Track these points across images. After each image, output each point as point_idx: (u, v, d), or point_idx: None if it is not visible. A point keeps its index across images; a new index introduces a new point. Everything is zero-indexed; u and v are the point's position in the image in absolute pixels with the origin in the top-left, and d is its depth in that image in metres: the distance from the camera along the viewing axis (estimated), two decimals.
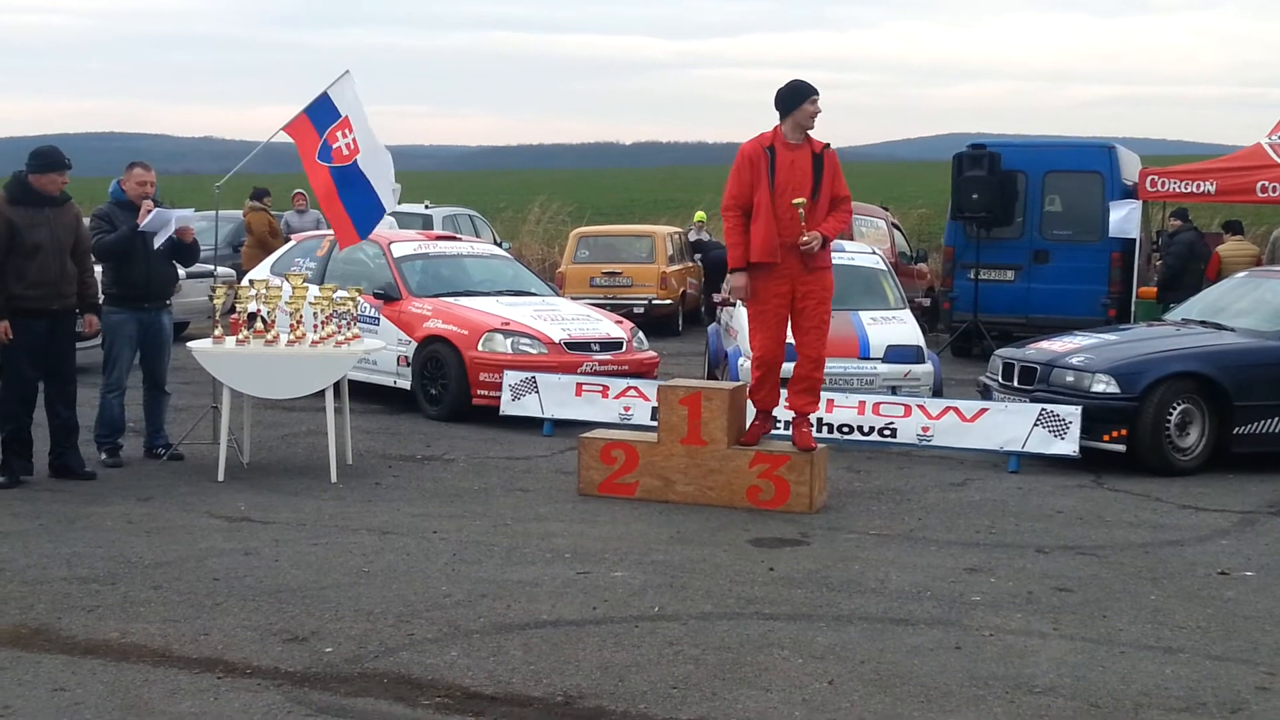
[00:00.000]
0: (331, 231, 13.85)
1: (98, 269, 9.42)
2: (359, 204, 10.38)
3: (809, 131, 8.53)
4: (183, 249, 9.79)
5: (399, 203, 22.68)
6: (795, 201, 8.37)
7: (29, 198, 8.73)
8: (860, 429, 10.26)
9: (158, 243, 9.48)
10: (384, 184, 10.47)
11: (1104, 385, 10.11)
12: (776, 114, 8.55)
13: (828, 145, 8.54)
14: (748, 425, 8.83)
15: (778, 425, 9.42)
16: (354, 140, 10.28)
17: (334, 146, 10.24)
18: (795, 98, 8.47)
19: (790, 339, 8.73)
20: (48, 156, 8.79)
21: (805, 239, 8.37)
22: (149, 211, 9.43)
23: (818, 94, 8.48)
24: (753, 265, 8.54)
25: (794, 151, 8.45)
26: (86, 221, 9.37)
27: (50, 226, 8.74)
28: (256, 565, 7.01)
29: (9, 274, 8.61)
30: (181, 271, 10.69)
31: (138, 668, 5.47)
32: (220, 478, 9.09)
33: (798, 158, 8.44)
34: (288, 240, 15.97)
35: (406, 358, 12.25)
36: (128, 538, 7.55)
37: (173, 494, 8.72)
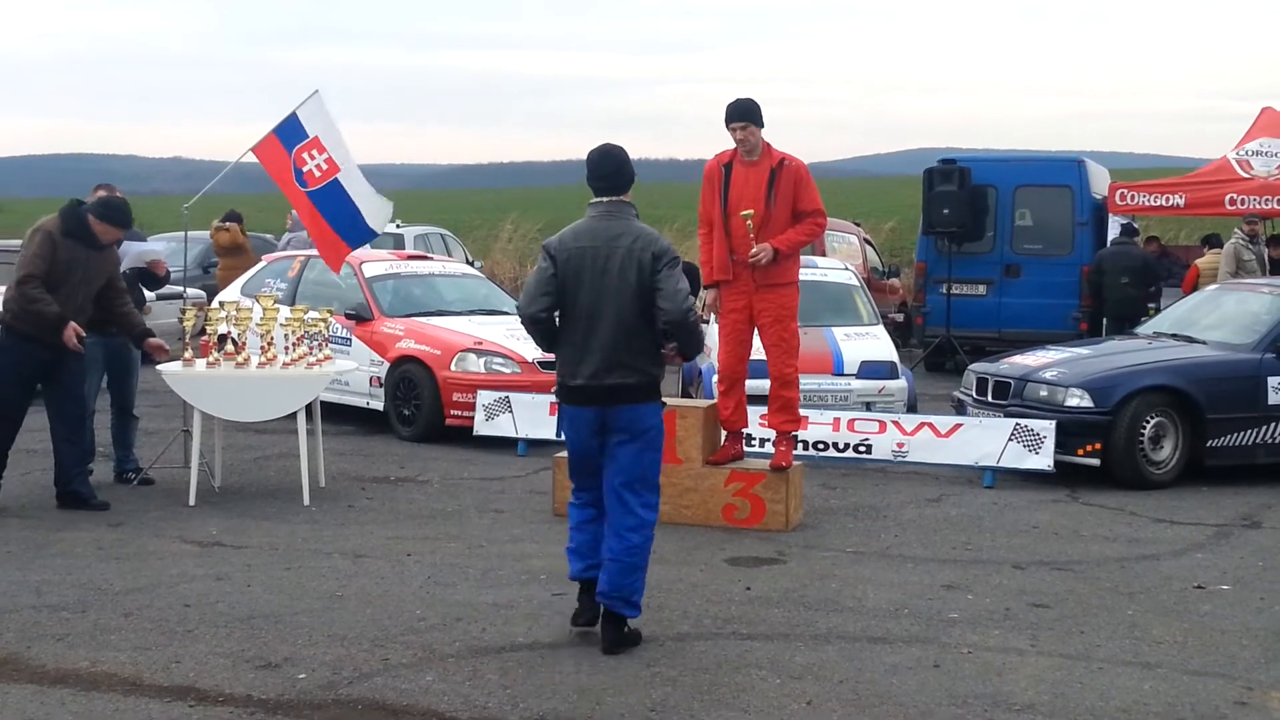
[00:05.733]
0: (303, 253, 13.82)
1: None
2: (343, 221, 10.28)
3: (767, 147, 8.36)
4: (151, 277, 9.74)
5: (392, 221, 22.41)
6: (743, 213, 8.28)
7: (82, 235, 8.67)
8: (835, 446, 10.24)
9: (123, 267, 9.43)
10: (369, 204, 10.37)
11: (1078, 399, 10.13)
12: None
13: (785, 160, 8.36)
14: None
15: (757, 443, 9.40)
16: (328, 160, 10.20)
17: (304, 170, 10.16)
18: (726, 120, 8.36)
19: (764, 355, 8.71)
20: (117, 212, 8.78)
21: (753, 251, 8.30)
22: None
23: (736, 121, 8.23)
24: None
25: (750, 168, 8.34)
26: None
27: (85, 268, 8.69)
28: (229, 591, 6.93)
29: None
30: (150, 295, 10.61)
31: (108, 697, 5.40)
32: (191, 502, 9.01)
33: (753, 174, 8.33)
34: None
35: (379, 378, 12.19)
36: (98, 564, 7.47)
37: (143, 519, 8.63)
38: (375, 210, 10.47)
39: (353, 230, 10.38)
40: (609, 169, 6.24)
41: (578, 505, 6.30)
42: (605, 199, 6.22)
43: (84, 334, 8.65)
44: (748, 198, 8.30)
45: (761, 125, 8.31)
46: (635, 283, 6.02)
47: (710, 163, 8.51)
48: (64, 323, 8.51)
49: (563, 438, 6.58)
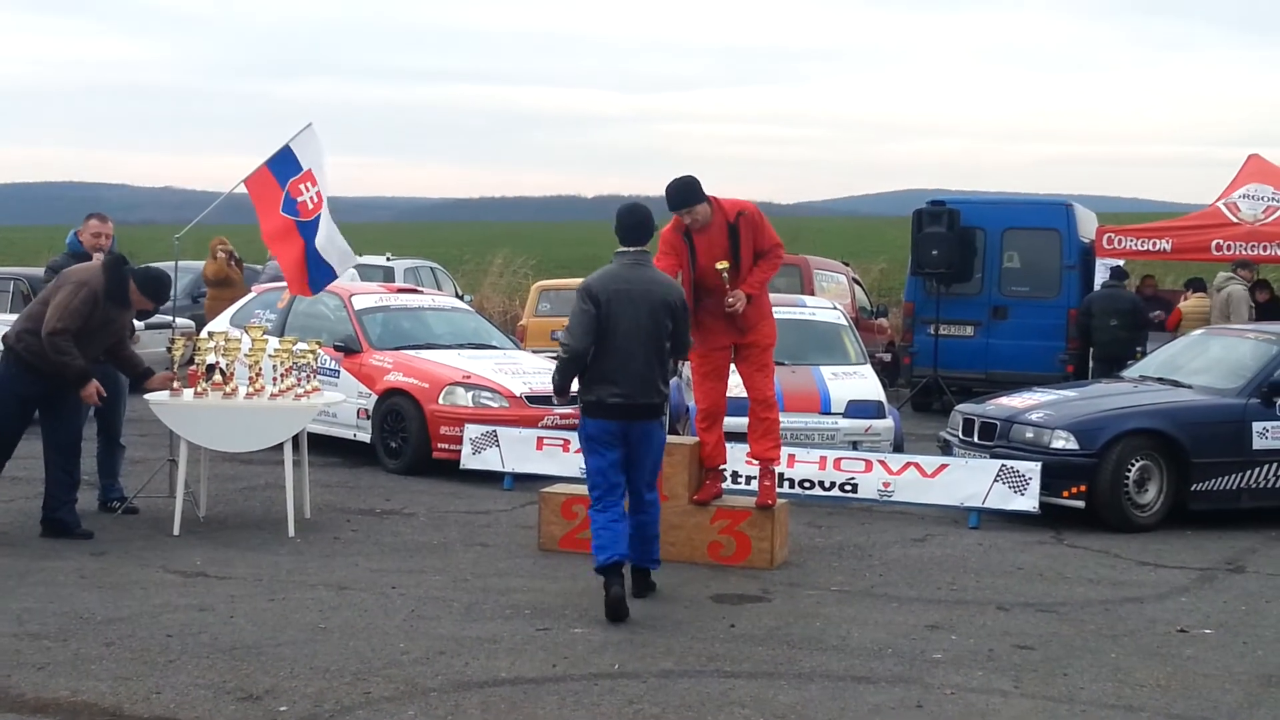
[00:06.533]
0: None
1: None
2: (318, 259, 10.27)
3: (715, 203, 8.33)
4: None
5: (382, 254, 22.57)
6: (719, 266, 8.34)
7: (120, 298, 8.79)
8: (821, 484, 10.25)
9: None
10: (338, 244, 10.37)
11: (1063, 441, 10.15)
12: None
13: (741, 212, 8.40)
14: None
15: (743, 480, 9.39)
16: (318, 193, 10.21)
17: (299, 200, 10.16)
18: (669, 208, 8.33)
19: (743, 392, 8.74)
20: (159, 287, 8.96)
21: (729, 301, 8.37)
22: None
23: (681, 209, 8.20)
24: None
25: (708, 231, 8.35)
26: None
27: (110, 328, 8.83)
28: (211, 621, 6.91)
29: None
30: (139, 324, 10.60)
31: None
32: (176, 531, 8.98)
33: (713, 235, 8.35)
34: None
35: (367, 410, 12.19)
36: (80, 593, 7.44)
37: (127, 548, 8.60)
38: (342, 253, 10.47)
39: (319, 272, 10.36)
40: (635, 222, 7.54)
41: (602, 509, 7.36)
42: (633, 249, 7.51)
43: (105, 393, 8.80)
44: (715, 257, 8.36)
45: (704, 198, 8.27)
46: (661, 322, 7.42)
47: (667, 232, 8.47)
48: (87, 379, 8.66)
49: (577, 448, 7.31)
